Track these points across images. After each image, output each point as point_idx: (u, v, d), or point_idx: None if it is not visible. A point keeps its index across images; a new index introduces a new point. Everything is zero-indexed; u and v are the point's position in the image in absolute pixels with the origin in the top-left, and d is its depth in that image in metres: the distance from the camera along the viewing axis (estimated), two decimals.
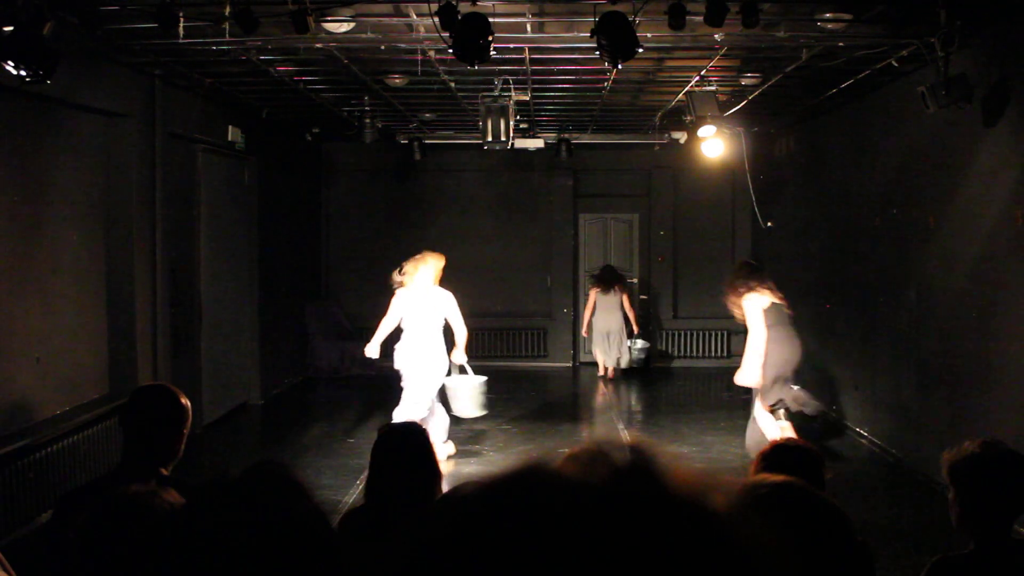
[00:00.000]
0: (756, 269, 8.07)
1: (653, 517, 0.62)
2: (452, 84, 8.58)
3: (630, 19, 5.63)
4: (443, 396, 8.32)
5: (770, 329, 7.49)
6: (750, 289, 7.58)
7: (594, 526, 0.60)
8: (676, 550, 0.60)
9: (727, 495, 0.66)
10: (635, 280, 14.34)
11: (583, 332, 13.15)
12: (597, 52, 5.78)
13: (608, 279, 12.79)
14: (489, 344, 13.81)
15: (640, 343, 13.15)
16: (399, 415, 7.72)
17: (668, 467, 0.65)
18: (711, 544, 0.61)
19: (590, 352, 13.53)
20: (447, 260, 8.19)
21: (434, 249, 8.39)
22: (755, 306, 7.52)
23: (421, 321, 7.96)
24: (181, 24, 6.23)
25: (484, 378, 8.45)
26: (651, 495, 0.63)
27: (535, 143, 12.18)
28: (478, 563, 0.60)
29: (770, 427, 7.52)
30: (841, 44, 6.83)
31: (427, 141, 12.46)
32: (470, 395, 8.36)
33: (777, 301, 7.64)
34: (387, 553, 0.66)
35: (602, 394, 12.21)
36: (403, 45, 6.84)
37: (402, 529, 0.67)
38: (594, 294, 12.90)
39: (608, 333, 12.66)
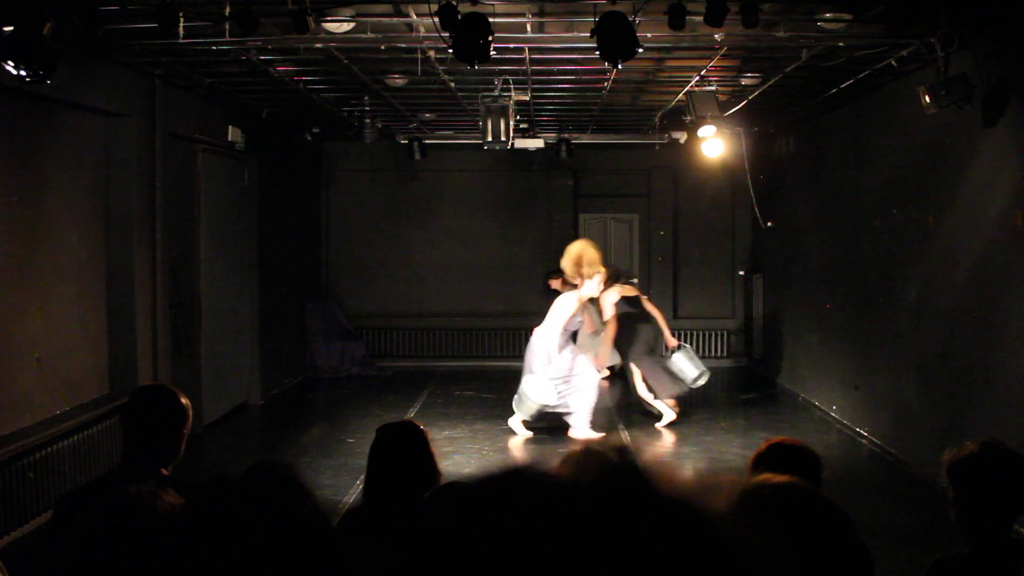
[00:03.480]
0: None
1: (642, 516, 0.62)
2: (452, 84, 8.57)
3: (630, 19, 5.64)
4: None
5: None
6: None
7: (583, 524, 0.60)
8: (666, 549, 0.60)
9: (726, 496, 0.66)
10: (635, 280, 14.35)
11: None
12: (597, 52, 5.79)
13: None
14: (489, 344, 13.83)
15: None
16: None
17: (658, 467, 0.66)
18: (702, 543, 0.61)
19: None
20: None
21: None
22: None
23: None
24: (181, 24, 6.24)
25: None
26: (640, 494, 0.63)
27: (535, 143, 12.18)
28: (472, 561, 0.61)
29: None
30: (841, 44, 6.83)
31: (427, 141, 12.46)
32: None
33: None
34: (384, 552, 0.66)
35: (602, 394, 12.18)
36: (403, 45, 6.84)
37: (399, 528, 0.67)
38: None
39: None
